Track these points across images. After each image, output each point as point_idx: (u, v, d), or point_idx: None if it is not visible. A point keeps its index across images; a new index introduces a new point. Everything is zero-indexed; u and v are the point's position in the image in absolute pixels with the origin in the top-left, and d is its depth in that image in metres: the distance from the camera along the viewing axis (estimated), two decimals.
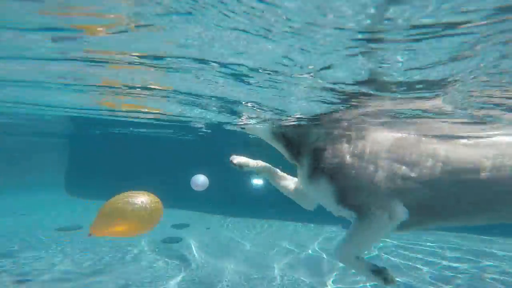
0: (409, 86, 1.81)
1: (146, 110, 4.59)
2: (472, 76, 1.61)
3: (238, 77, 2.04)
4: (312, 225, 8.64)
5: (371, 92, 1.96)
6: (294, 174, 2.53)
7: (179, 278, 4.47)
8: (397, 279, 4.29)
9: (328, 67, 1.65)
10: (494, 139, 1.99)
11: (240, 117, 3.88)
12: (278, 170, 2.52)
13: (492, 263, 5.42)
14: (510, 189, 1.78)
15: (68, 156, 13.49)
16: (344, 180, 1.95)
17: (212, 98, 2.89)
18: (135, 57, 1.91)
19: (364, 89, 1.93)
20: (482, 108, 2.15)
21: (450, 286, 4.43)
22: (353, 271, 2.08)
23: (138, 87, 2.86)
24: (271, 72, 1.86)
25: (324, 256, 5.70)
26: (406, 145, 1.98)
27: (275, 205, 9.00)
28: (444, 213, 1.92)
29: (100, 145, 12.17)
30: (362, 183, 1.91)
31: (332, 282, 4.52)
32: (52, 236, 6.41)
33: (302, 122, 3.10)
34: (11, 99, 4.41)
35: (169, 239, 6.57)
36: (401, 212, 1.85)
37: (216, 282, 4.42)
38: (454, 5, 1.00)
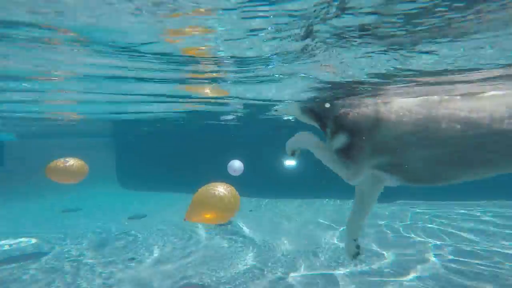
0: None
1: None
2: None
3: None
4: (339, 200, 9.15)
5: None
6: None
7: (249, 255, 5.09)
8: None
9: None
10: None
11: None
12: (316, 140, 2.57)
13: None
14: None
15: (116, 153, 14.71)
16: (358, 135, 2.27)
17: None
18: None
19: None
20: None
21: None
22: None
23: None
24: None
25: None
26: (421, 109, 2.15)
27: (304, 185, 9.51)
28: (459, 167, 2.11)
29: (147, 142, 13.20)
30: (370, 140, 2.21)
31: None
32: (129, 224, 7.45)
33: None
34: None
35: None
36: (380, 179, 2.29)
37: (278, 254, 5.04)
38: None
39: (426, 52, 2.07)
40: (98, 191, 12.82)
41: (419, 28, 1.66)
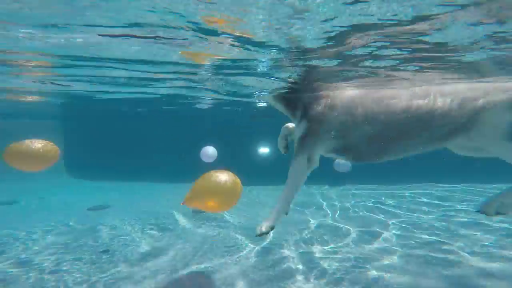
0: None
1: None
2: None
3: None
4: (305, 186, 9.36)
5: None
6: None
7: (238, 238, 4.82)
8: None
9: None
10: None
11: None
12: (285, 192, 2.85)
13: None
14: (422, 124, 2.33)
15: (64, 137, 13.21)
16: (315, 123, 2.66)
17: None
18: None
19: None
20: None
21: None
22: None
23: None
24: None
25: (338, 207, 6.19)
26: (358, 98, 2.61)
27: (275, 172, 9.57)
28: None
29: (102, 126, 11.97)
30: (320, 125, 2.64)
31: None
32: (89, 215, 6.62)
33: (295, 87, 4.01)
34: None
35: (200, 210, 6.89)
36: (315, 160, 2.69)
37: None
38: None
39: None
40: (40, 181, 11.38)
41: None
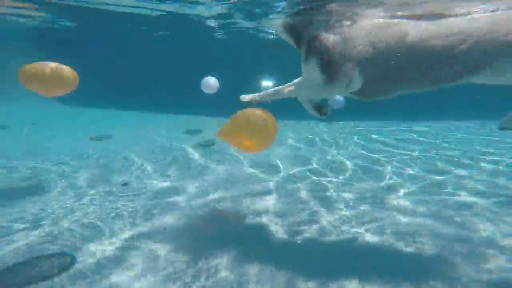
0: None
1: None
2: None
3: None
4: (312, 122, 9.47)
5: None
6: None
7: (247, 164, 5.05)
8: None
9: None
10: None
11: None
12: (284, 86, 2.72)
13: None
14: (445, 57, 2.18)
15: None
16: (327, 55, 2.42)
17: None
18: None
19: None
20: None
21: None
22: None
23: None
24: None
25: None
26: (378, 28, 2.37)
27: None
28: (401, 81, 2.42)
29: (90, 51, 11.10)
30: (339, 56, 2.40)
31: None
32: (91, 144, 6.58)
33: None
34: None
35: (204, 142, 6.93)
36: (356, 82, 2.41)
37: (272, 161, 5.06)
38: None
39: None
40: (26, 107, 10.93)
41: None
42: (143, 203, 3.71)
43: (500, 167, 5.20)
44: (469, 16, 2.19)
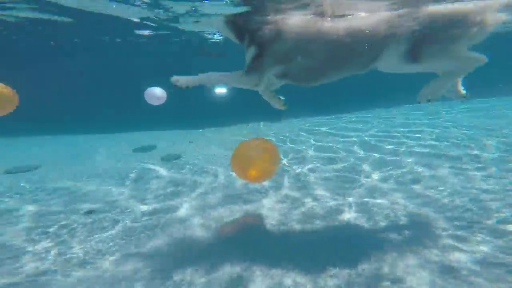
0: None
1: None
2: None
3: None
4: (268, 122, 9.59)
5: None
6: None
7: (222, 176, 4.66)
8: None
9: None
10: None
11: None
12: (221, 73, 2.84)
13: None
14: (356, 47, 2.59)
15: None
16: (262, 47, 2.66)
17: None
18: None
19: None
20: None
21: None
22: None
23: None
24: None
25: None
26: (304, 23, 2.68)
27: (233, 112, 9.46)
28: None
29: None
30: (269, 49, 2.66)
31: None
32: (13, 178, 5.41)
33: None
34: None
35: (168, 156, 6.37)
36: (262, 79, 2.73)
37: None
38: None
39: None
40: None
41: None
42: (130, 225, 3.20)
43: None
44: (363, 16, 2.69)
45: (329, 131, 7.88)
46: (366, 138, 6.77)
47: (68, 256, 2.85)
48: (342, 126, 8.45)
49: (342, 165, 5.06)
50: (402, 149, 5.69)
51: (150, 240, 3.08)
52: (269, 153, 2.61)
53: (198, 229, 3.25)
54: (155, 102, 5.13)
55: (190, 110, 9.75)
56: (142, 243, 3.03)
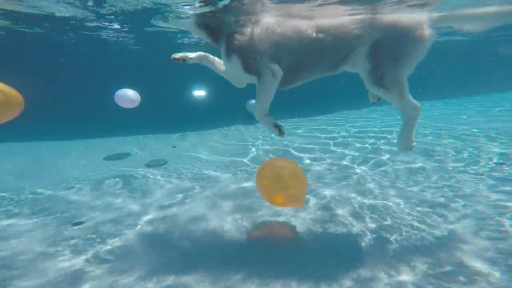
0: None
1: None
2: None
3: None
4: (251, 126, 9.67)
5: None
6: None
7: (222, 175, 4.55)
8: None
9: None
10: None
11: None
12: (216, 58, 2.93)
13: None
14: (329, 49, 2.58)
15: None
16: (245, 53, 2.56)
17: None
18: None
19: None
20: None
21: None
22: (263, 126, 2.77)
23: None
24: None
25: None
26: (280, 24, 2.61)
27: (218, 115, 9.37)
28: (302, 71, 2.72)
29: None
30: (254, 53, 2.56)
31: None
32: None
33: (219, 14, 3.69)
34: None
35: (153, 162, 6.13)
36: (278, 70, 2.57)
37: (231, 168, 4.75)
38: None
39: None
40: None
41: None
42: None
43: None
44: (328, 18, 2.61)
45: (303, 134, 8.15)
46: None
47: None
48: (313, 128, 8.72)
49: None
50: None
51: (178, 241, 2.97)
52: (300, 179, 2.49)
53: (203, 238, 3.20)
54: (129, 105, 4.72)
55: (163, 115, 9.45)
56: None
